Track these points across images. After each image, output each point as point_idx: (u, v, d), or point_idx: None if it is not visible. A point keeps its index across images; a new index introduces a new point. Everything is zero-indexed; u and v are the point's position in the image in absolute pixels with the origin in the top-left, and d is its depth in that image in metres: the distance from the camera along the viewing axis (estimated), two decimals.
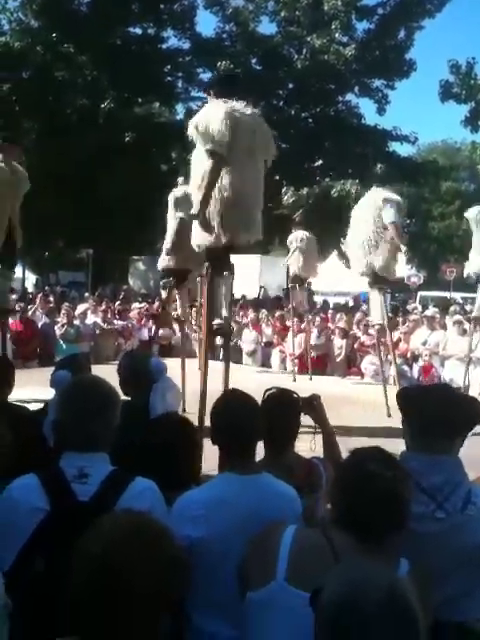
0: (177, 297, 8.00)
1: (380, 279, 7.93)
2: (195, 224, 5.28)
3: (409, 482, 1.96)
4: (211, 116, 4.98)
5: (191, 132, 5.10)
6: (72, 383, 2.24)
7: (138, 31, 25.43)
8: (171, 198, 7.48)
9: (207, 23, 53.90)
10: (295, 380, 9.52)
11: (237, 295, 20.44)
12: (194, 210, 5.15)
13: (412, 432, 2.30)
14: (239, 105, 5.10)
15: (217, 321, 5.32)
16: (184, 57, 25.89)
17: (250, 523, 2.08)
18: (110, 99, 21.80)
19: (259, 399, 2.69)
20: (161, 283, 8.33)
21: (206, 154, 5.00)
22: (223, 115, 4.90)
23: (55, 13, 21.98)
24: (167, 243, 7.39)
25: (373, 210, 7.73)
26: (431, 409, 2.24)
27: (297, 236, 10.29)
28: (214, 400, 2.53)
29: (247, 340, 12.78)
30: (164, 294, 8.53)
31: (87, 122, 21.51)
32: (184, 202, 6.84)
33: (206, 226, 5.10)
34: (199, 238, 5.28)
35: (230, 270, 5.29)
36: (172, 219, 7.41)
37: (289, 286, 11.02)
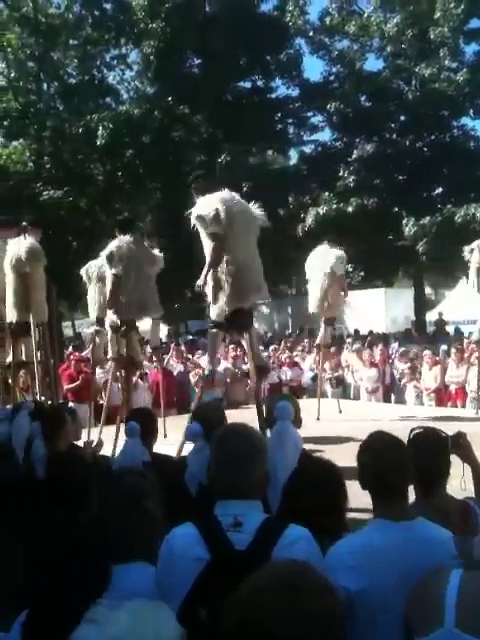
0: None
1: None
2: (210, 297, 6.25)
3: None
4: (209, 206, 5.96)
5: (194, 221, 6.06)
6: (222, 432, 2.28)
7: (248, 85, 26.37)
8: (104, 256, 7.31)
9: (314, 68, 55.20)
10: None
11: (364, 331, 20.20)
12: (199, 282, 6.05)
13: None
14: (226, 194, 6.16)
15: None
16: (294, 103, 26.49)
17: (409, 573, 2.00)
18: (226, 152, 22.60)
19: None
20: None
21: (209, 237, 6.00)
22: (219, 203, 5.92)
23: (169, 78, 23.34)
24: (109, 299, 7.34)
25: None
26: None
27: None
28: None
29: (367, 378, 12.34)
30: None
31: (205, 176, 22.39)
32: (118, 259, 7.08)
33: (213, 296, 6.16)
34: (216, 309, 6.23)
35: (251, 325, 6.61)
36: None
37: None
